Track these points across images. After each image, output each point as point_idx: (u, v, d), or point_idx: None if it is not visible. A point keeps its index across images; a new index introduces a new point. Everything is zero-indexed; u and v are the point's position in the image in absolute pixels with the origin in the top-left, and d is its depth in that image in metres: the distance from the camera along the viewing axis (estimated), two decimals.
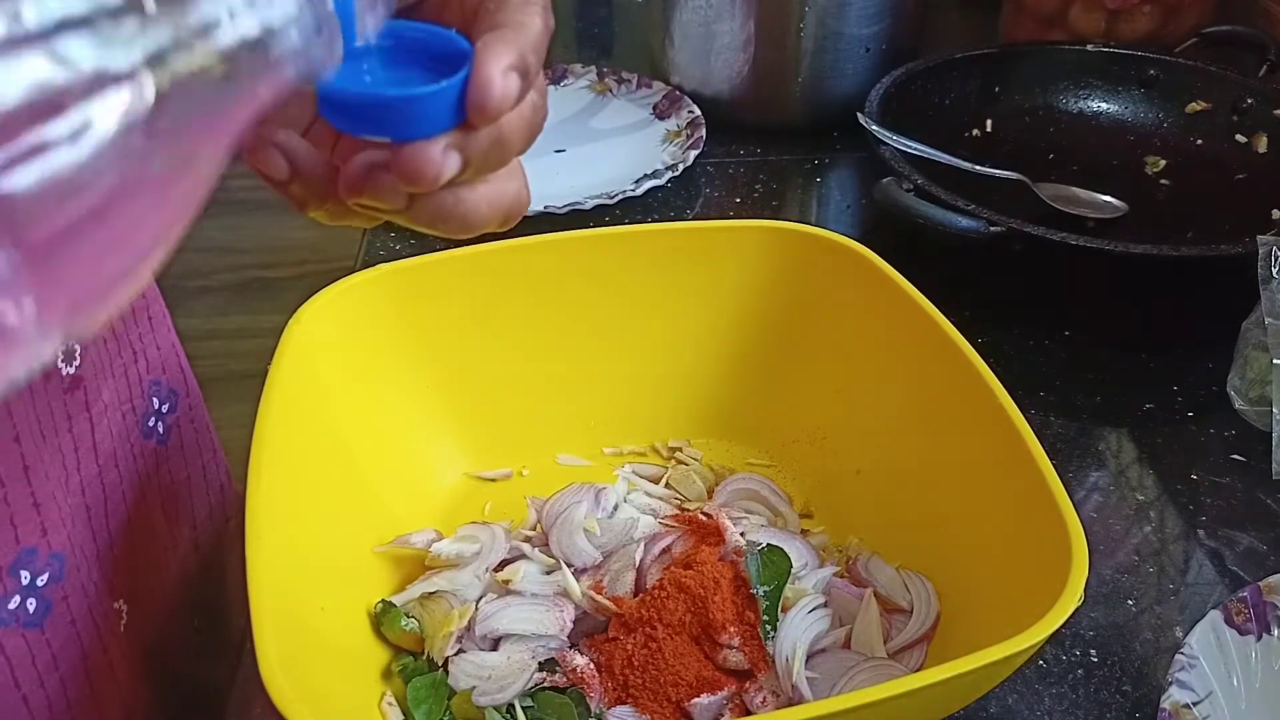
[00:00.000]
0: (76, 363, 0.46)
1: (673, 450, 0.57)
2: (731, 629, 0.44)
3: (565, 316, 0.56)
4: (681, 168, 0.80)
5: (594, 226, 0.77)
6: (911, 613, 0.46)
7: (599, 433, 0.57)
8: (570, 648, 0.45)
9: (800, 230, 0.56)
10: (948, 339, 0.48)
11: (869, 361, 0.54)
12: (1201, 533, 0.54)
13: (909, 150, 0.73)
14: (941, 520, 0.48)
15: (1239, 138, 0.82)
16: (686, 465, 0.56)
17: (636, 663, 0.43)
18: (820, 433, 0.55)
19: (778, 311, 0.57)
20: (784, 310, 0.56)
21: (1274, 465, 0.57)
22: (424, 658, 0.45)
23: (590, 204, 0.76)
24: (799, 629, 0.44)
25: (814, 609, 0.45)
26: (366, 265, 0.53)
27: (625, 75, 0.94)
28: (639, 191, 0.78)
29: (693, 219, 0.79)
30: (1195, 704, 0.43)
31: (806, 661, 0.43)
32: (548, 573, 0.48)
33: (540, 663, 0.44)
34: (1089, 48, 0.88)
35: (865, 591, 0.47)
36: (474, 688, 0.43)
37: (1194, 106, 0.84)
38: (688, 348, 0.57)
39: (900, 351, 0.52)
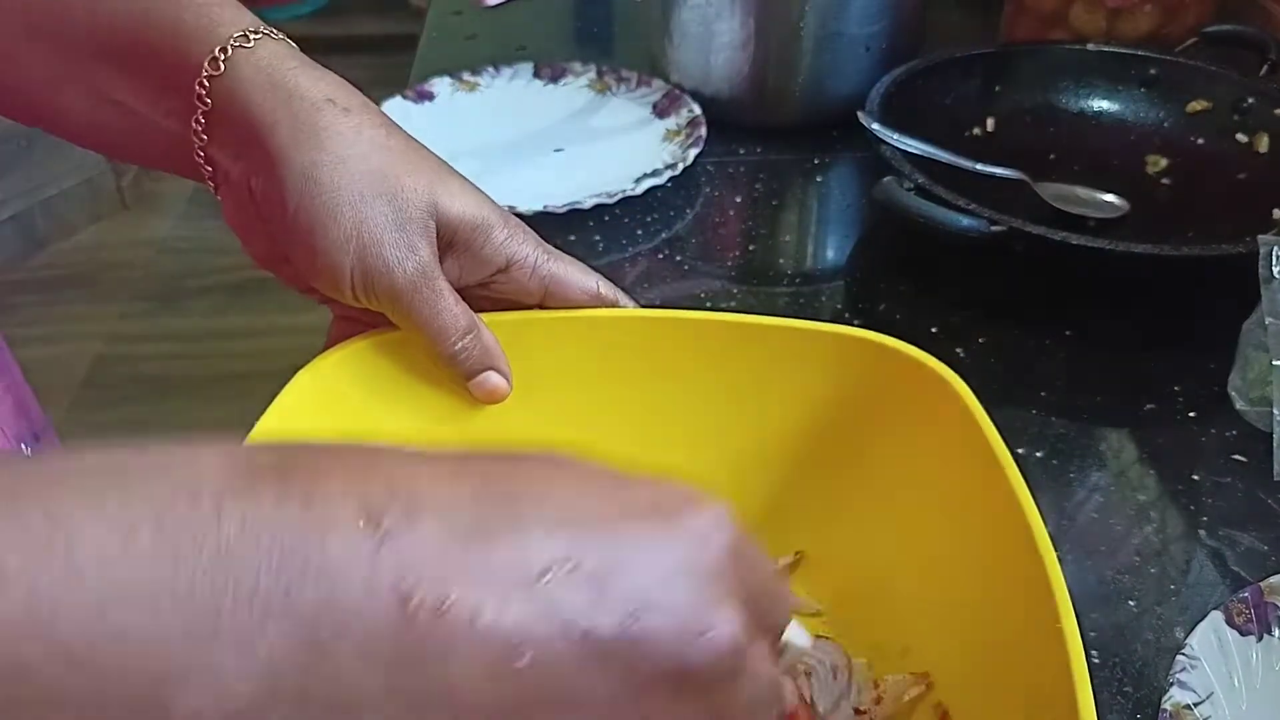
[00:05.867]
0: None
1: None
2: None
3: (603, 395, 0.51)
4: (681, 167, 0.80)
5: (593, 225, 0.77)
6: None
7: None
8: None
9: (882, 344, 0.47)
10: (1013, 494, 0.40)
11: (922, 497, 0.46)
12: (1202, 533, 0.54)
13: (909, 149, 0.73)
14: (954, 679, 0.43)
15: (1240, 137, 0.82)
16: None
17: None
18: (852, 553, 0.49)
19: (829, 425, 0.49)
20: (837, 424, 0.49)
21: (1275, 466, 0.56)
22: None
23: (590, 203, 0.76)
24: None
25: None
26: None
27: (625, 74, 0.94)
28: (639, 191, 0.78)
29: (693, 218, 0.79)
30: (1196, 705, 0.43)
31: None
32: None
33: None
34: (1090, 47, 0.88)
35: None
36: None
37: (1195, 106, 0.84)
38: (732, 445, 0.51)
39: (957, 497, 0.44)
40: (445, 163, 0.46)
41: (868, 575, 0.48)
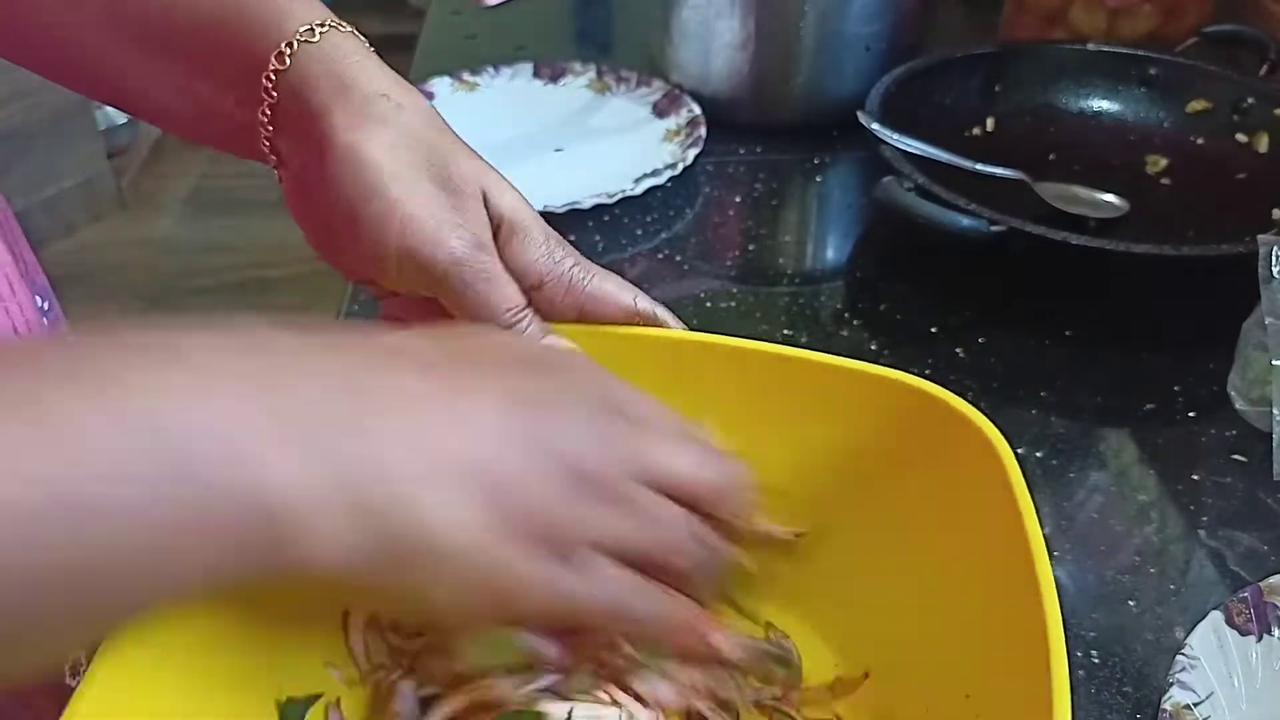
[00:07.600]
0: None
1: None
2: None
3: None
4: (681, 167, 0.80)
5: (592, 225, 0.77)
6: None
7: None
8: None
9: (930, 394, 0.44)
10: (1033, 573, 0.37)
11: (941, 555, 0.43)
12: (1202, 533, 0.54)
13: (909, 149, 0.73)
14: None
15: (1240, 137, 0.82)
16: None
17: None
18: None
19: (857, 469, 0.46)
20: (866, 470, 0.46)
21: (1275, 466, 0.56)
22: None
23: (589, 203, 0.76)
24: None
25: None
26: None
27: (625, 73, 0.94)
28: (638, 191, 0.78)
29: (692, 218, 0.79)
30: (1196, 705, 0.43)
31: None
32: None
33: None
34: (1090, 47, 0.88)
35: None
36: None
37: (1195, 106, 0.84)
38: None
39: (978, 563, 0.42)
40: (493, 166, 0.46)
41: (881, 632, 0.45)
